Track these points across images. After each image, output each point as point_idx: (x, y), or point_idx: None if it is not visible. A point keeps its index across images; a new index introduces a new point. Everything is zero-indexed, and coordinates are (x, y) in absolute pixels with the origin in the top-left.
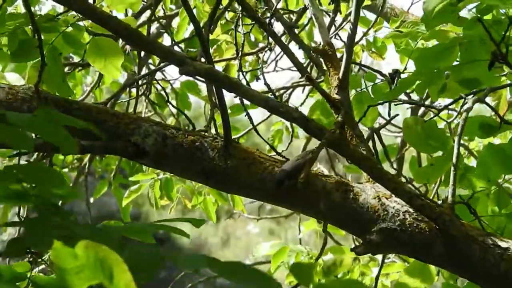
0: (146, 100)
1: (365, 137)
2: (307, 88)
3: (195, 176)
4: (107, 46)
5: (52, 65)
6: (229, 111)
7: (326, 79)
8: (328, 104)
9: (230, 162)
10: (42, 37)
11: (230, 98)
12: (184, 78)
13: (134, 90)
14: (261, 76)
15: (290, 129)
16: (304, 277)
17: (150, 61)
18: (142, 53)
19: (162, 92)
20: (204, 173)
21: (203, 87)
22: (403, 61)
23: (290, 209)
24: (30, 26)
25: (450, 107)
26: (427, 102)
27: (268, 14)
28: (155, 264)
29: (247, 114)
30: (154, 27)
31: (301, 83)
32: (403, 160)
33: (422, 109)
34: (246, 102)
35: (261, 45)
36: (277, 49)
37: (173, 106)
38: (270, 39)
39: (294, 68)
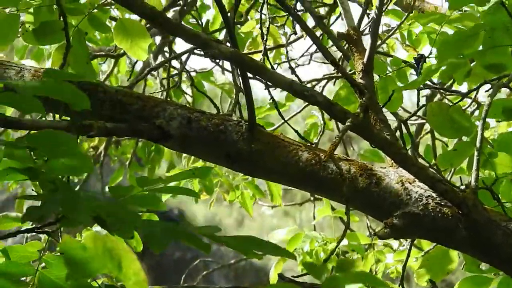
0: (162, 88)
1: (391, 127)
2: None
3: (219, 160)
4: (133, 28)
5: (77, 47)
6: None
7: (350, 63)
8: (353, 88)
9: (254, 146)
10: (67, 19)
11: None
12: (200, 67)
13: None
14: (287, 64)
15: (322, 121)
16: (318, 273)
17: (165, 49)
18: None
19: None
20: (228, 156)
21: (217, 75)
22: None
23: (313, 193)
24: (55, 6)
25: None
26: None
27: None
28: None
29: (272, 98)
30: (171, 13)
31: (333, 75)
32: (418, 148)
33: (439, 95)
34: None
35: (293, 37)
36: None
37: (197, 89)
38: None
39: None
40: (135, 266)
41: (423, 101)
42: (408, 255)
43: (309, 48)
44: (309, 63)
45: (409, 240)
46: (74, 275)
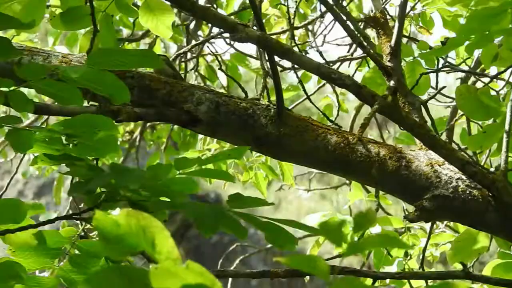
0: (196, 73)
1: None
2: (354, 63)
3: (248, 144)
4: (157, 7)
5: (105, 32)
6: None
7: (378, 47)
8: (381, 71)
9: (283, 130)
10: (94, 3)
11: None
12: (233, 50)
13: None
14: (311, 48)
15: (336, 104)
16: (334, 236)
17: (199, 32)
18: (192, 25)
19: (212, 64)
20: (256, 140)
21: (253, 59)
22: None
23: (342, 176)
24: None
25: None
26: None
27: None
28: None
29: (300, 81)
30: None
31: (347, 57)
32: (453, 130)
33: (472, 79)
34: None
35: (310, 18)
36: (326, 22)
37: (225, 74)
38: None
39: (343, 42)
40: (168, 243)
41: (457, 83)
42: (428, 238)
43: (323, 30)
44: (322, 45)
45: (445, 222)
46: (109, 252)
